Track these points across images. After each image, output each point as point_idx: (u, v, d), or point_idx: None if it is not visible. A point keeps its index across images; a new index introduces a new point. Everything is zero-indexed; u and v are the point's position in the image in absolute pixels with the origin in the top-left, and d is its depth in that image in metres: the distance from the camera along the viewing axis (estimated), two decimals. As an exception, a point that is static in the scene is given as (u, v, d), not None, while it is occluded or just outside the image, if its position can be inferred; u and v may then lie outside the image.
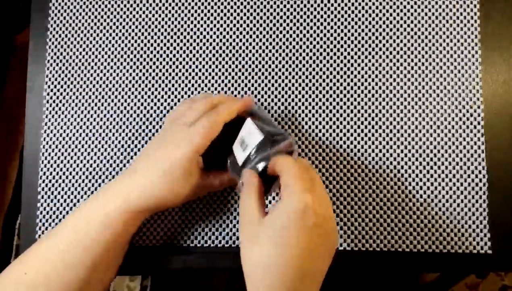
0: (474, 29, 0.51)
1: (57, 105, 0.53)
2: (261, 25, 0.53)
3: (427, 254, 0.48)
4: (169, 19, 0.53)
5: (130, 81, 0.52)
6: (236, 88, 0.52)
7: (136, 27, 0.53)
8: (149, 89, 0.52)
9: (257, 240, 0.33)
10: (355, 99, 0.51)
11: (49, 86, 0.53)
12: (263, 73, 0.52)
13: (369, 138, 0.50)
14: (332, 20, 0.52)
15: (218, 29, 0.53)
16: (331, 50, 0.52)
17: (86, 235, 0.39)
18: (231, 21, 0.53)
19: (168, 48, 0.53)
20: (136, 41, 0.53)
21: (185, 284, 0.91)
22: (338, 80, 0.51)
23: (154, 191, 0.39)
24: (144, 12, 0.54)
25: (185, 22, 0.53)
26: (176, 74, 0.52)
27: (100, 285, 0.42)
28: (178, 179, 0.39)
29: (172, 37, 0.53)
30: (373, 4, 0.52)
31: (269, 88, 0.51)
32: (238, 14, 0.53)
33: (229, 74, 0.52)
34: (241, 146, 0.41)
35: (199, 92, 0.52)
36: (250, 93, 0.52)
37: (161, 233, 0.50)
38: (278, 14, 0.53)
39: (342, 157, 0.50)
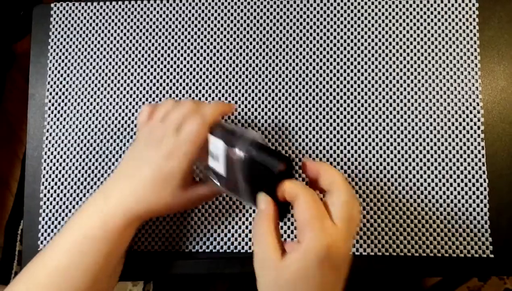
0: (473, 35, 0.51)
1: (59, 112, 0.53)
2: (257, 28, 0.53)
3: (429, 258, 0.48)
4: (170, 26, 0.54)
5: (131, 88, 0.53)
6: (233, 90, 0.52)
7: (137, 34, 0.54)
8: (150, 96, 0.53)
9: (276, 282, 0.33)
10: (355, 105, 0.51)
11: (50, 94, 0.53)
12: (260, 76, 0.52)
13: (370, 143, 0.50)
14: (331, 26, 0.53)
15: (218, 35, 0.53)
16: (329, 55, 0.52)
17: (84, 254, 0.39)
18: (231, 27, 0.53)
19: (169, 55, 0.53)
20: (137, 49, 0.53)
21: (187, 289, 0.91)
22: (337, 86, 0.51)
23: (149, 198, 0.39)
24: (145, 20, 0.54)
25: (185, 30, 0.53)
26: (177, 81, 0.53)
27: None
28: (173, 189, 0.39)
29: (173, 44, 0.53)
30: (372, 10, 0.53)
31: (266, 91, 0.52)
32: (235, 18, 0.53)
33: (227, 77, 0.52)
34: (213, 159, 0.40)
35: (199, 98, 0.52)
36: (246, 96, 0.52)
37: (163, 239, 0.50)
38: (274, 17, 0.53)
39: (343, 162, 0.50)
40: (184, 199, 0.40)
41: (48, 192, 0.52)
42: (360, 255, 0.49)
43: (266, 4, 0.53)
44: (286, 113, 0.51)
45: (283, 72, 0.52)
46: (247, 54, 0.53)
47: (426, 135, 0.50)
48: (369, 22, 0.52)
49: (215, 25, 0.53)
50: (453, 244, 0.48)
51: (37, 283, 0.38)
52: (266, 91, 0.52)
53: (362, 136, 0.50)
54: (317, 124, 0.51)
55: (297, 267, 0.32)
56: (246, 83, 0.52)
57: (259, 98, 0.52)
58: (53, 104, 0.53)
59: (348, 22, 0.53)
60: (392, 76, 0.51)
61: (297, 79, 0.52)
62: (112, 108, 0.52)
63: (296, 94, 0.52)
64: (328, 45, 0.52)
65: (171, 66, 0.53)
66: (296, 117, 0.51)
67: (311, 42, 0.52)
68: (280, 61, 0.52)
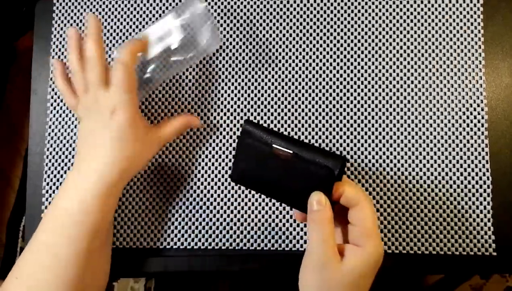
0: (477, 32, 0.51)
1: (61, 108, 0.53)
2: (257, 27, 0.53)
3: (431, 256, 0.48)
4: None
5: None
6: (232, 90, 0.52)
7: (140, 30, 0.54)
8: (153, 92, 0.52)
9: (332, 283, 0.35)
10: (358, 102, 0.51)
11: (53, 90, 0.53)
12: (260, 75, 0.52)
13: (373, 141, 0.50)
14: (334, 22, 0.52)
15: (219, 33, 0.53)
16: (333, 52, 0.52)
17: (68, 229, 0.39)
18: (230, 27, 0.53)
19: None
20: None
21: (189, 286, 0.91)
22: (340, 83, 0.51)
23: (117, 158, 0.40)
24: (147, 16, 0.54)
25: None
26: (180, 77, 0.53)
27: (95, 279, 0.42)
28: (135, 138, 0.41)
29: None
30: (376, 6, 0.52)
31: (266, 90, 0.52)
32: (235, 17, 0.53)
33: (226, 78, 0.52)
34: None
35: (202, 95, 0.52)
36: (245, 96, 0.52)
37: (165, 235, 0.50)
38: (274, 17, 0.53)
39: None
40: (152, 138, 0.42)
41: (50, 188, 0.52)
42: (362, 252, 0.49)
43: (266, 3, 0.53)
44: (286, 114, 0.51)
45: (283, 72, 0.52)
46: (246, 54, 0.52)
47: (429, 133, 0.50)
48: (372, 18, 0.52)
49: (218, 21, 0.53)
50: (456, 241, 0.48)
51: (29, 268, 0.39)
52: (266, 91, 0.52)
53: (365, 133, 0.50)
54: (320, 121, 0.51)
55: (360, 270, 0.35)
56: (246, 84, 0.52)
57: (260, 98, 0.52)
58: (55, 100, 0.53)
59: (352, 19, 0.52)
60: (396, 73, 0.51)
61: (299, 78, 0.52)
62: (114, 105, 0.52)
63: (298, 94, 0.51)
64: (331, 41, 0.52)
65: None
66: (300, 115, 0.51)
67: (311, 42, 0.52)
68: (279, 61, 0.52)
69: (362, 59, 0.52)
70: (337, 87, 0.51)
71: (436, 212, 0.49)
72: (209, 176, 0.51)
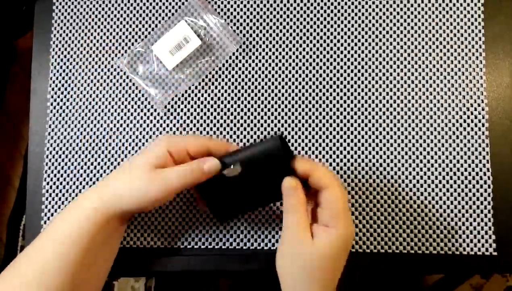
0: (478, 31, 0.51)
1: (61, 107, 0.53)
2: (259, 24, 0.53)
3: (432, 255, 0.48)
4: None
5: (133, 84, 0.53)
6: (232, 90, 0.52)
7: (140, 30, 0.53)
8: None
9: (309, 262, 0.37)
10: (358, 102, 0.51)
11: (53, 89, 0.53)
12: (263, 72, 0.52)
13: (373, 140, 0.50)
14: (335, 22, 0.52)
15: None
16: (334, 51, 0.52)
17: (66, 241, 0.39)
18: (230, 26, 0.53)
19: (171, 50, 0.53)
20: (139, 44, 0.53)
21: (189, 285, 0.91)
22: (341, 82, 0.51)
23: (120, 187, 0.40)
24: (147, 15, 0.54)
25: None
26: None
27: (89, 286, 0.42)
28: (140, 174, 0.40)
29: (175, 39, 0.53)
30: (376, 6, 0.52)
31: (268, 88, 0.51)
32: (235, 17, 0.53)
33: (227, 77, 0.52)
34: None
35: (201, 94, 0.52)
36: (245, 96, 0.52)
37: (165, 235, 0.50)
38: (278, 12, 0.53)
39: (346, 159, 0.50)
40: (155, 177, 0.40)
41: (51, 187, 0.51)
42: (363, 252, 0.49)
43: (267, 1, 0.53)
44: (286, 114, 0.51)
45: (284, 71, 0.52)
46: (246, 54, 0.52)
47: (430, 133, 0.50)
48: (373, 18, 0.52)
49: (228, 19, 0.53)
50: (456, 241, 0.48)
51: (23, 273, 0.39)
52: (269, 88, 0.52)
53: (366, 133, 0.50)
54: (320, 121, 0.51)
55: (330, 250, 0.36)
56: (246, 83, 0.52)
57: (261, 96, 0.52)
58: (55, 100, 0.53)
59: (352, 18, 0.52)
60: (396, 72, 0.51)
61: (300, 77, 0.52)
62: (114, 104, 0.52)
63: (298, 93, 0.51)
64: (331, 40, 0.52)
65: (174, 62, 0.53)
66: (300, 114, 0.51)
67: (311, 41, 0.52)
68: (280, 61, 0.52)
69: (363, 59, 0.51)
70: (337, 87, 0.51)
71: (436, 211, 0.49)
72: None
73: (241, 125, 0.51)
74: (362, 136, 0.50)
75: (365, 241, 0.49)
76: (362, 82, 0.51)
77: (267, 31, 0.53)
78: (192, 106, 0.52)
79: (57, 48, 0.54)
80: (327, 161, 0.50)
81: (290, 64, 0.52)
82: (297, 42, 0.52)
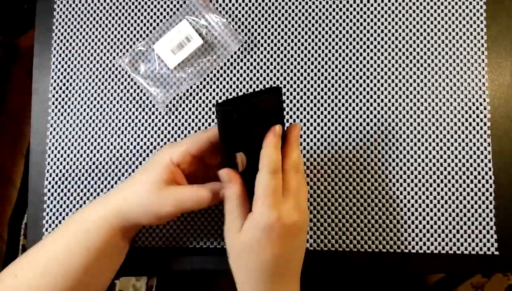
0: (480, 30, 0.51)
1: (62, 107, 0.53)
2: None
3: (433, 255, 0.48)
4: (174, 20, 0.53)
5: (135, 83, 0.53)
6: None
7: (141, 28, 0.53)
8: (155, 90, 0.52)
9: (236, 248, 0.38)
10: (360, 101, 0.51)
11: (54, 88, 0.53)
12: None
13: (375, 140, 0.50)
14: (339, 23, 0.52)
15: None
16: (335, 49, 0.52)
17: (75, 244, 0.40)
18: (242, 6, 0.53)
19: (173, 49, 0.53)
20: (141, 42, 0.53)
21: (191, 284, 0.91)
22: (344, 80, 0.51)
23: (130, 202, 0.40)
24: (149, 14, 0.54)
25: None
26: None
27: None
28: (149, 185, 0.40)
29: (177, 38, 0.53)
30: (378, 4, 0.52)
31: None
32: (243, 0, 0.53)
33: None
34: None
35: (206, 96, 0.52)
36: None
37: (167, 234, 0.50)
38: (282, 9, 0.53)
39: (348, 158, 0.50)
40: (166, 194, 0.40)
41: (52, 187, 0.52)
42: (364, 251, 0.49)
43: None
44: (288, 113, 0.51)
45: (286, 70, 0.52)
46: (248, 53, 0.52)
47: (432, 132, 0.50)
48: (375, 16, 0.52)
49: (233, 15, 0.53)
50: (458, 240, 0.48)
51: (34, 267, 0.40)
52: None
53: (368, 132, 0.50)
54: (321, 120, 0.51)
55: (250, 236, 0.37)
56: (247, 82, 0.52)
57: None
58: (57, 99, 0.53)
59: (354, 17, 0.52)
60: (398, 71, 0.51)
61: (301, 76, 0.52)
62: (116, 103, 0.52)
63: (300, 92, 0.51)
64: (340, 39, 0.52)
65: (175, 61, 0.53)
66: (301, 113, 0.51)
67: (314, 40, 0.52)
68: (281, 60, 0.52)
69: (364, 58, 0.51)
70: (339, 86, 0.51)
71: (438, 211, 0.49)
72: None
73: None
74: (364, 136, 0.50)
75: (366, 240, 0.49)
76: (364, 80, 0.51)
77: (269, 30, 0.52)
78: (193, 106, 0.52)
79: (58, 47, 0.54)
80: (329, 160, 0.50)
81: (292, 63, 0.52)
82: (299, 41, 0.52)
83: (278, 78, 0.52)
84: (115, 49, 0.53)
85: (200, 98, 0.52)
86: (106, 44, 0.53)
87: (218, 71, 0.52)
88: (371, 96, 0.51)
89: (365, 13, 0.52)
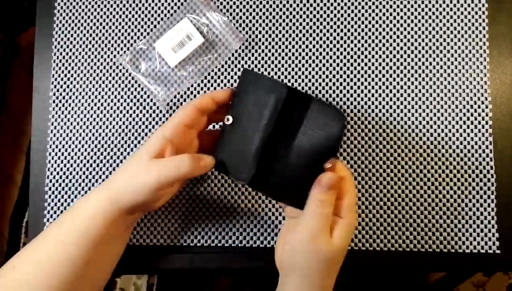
0: (482, 29, 0.51)
1: (63, 105, 0.53)
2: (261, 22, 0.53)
3: (435, 253, 0.48)
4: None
5: (136, 81, 0.52)
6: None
7: (142, 27, 0.53)
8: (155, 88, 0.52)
9: (320, 254, 0.37)
10: (361, 99, 0.51)
11: (55, 86, 0.53)
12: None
13: (376, 138, 0.50)
14: (344, 25, 0.52)
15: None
16: (336, 47, 0.52)
17: (74, 232, 0.40)
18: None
19: (174, 48, 0.53)
20: (141, 41, 0.53)
21: (191, 282, 0.92)
22: (345, 79, 0.51)
23: (122, 183, 0.40)
24: (149, 12, 0.54)
25: (191, 22, 0.53)
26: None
27: (91, 283, 0.42)
28: (138, 162, 0.40)
29: (178, 36, 0.53)
30: (380, 3, 0.52)
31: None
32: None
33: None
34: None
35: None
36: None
37: (168, 232, 0.50)
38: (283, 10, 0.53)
39: (349, 156, 0.50)
40: (151, 174, 0.39)
41: (53, 185, 0.51)
42: (366, 250, 0.49)
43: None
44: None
45: (287, 68, 0.52)
46: (249, 51, 0.52)
47: (433, 130, 0.50)
48: (376, 14, 0.52)
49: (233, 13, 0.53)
50: (459, 239, 0.48)
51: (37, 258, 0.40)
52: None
53: (369, 130, 0.50)
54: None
55: (342, 242, 0.37)
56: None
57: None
58: (57, 97, 0.53)
59: (356, 15, 0.52)
60: (400, 70, 0.51)
61: (302, 74, 0.51)
62: (116, 101, 0.52)
63: (301, 90, 0.51)
64: (334, 35, 0.52)
65: (176, 59, 0.53)
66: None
67: (315, 38, 0.52)
68: (282, 58, 0.52)
69: (366, 56, 0.51)
70: (341, 84, 0.51)
71: (440, 209, 0.49)
72: (212, 173, 0.50)
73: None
74: (366, 134, 0.50)
75: (368, 238, 0.49)
76: (366, 79, 0.51)
77: (270, 28, 0.52)
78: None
79: (59, 45, 0.54)
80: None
81: (293, 62, 0.52)
82: (300, 39, 0.52)
83: (279, 77, 0.51)
84: (116, 47, 0.53)
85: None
86: (107, 43, 0.53)
87: (219, 70, 0.52)
88: (373, 95, 0.51)
89: (366, 11, 0.52)
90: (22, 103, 1.26)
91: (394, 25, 0.52)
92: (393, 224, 0.49)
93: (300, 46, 0.52)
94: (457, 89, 0.50)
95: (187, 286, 0.91)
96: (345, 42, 0.52)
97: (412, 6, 0.52)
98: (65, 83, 0.53)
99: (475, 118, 0.50)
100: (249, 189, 0.50)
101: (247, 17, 0.53)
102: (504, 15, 0.51)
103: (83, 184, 0.51)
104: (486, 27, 0.51)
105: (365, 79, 0.51)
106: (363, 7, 0.52)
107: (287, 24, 0.52)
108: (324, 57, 0.51)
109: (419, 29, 0.51)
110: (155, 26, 0.53)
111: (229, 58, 0.52)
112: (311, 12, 0.52)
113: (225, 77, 0.52)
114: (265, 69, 0.52)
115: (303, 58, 0.52)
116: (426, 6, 0.52)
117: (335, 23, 0.52)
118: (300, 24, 0.52)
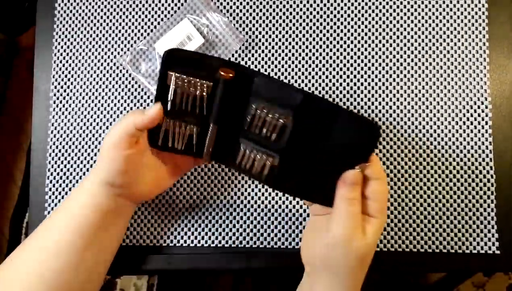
0: (482, 29, 0.51)
1: (63, 105, 0.53)
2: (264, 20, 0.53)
3: (435, 254, 0.48)
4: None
5: (136, 82, 0.52)
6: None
7: (142, 27, 0.53)
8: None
9: (358, 253, 0.38)
10: (361, 100, 0.51)
11: (55, 87, 0.53)
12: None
13: (376, 139, 0.50)
14: (339, 18, 0.52)
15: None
16: (336, 48, 0.52)
17: (68, 222, 0.41)
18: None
19: (174, 48, 0.53)
20: (141, 41, 0.53)
21: (191, 282, 0.92)
22: (344, 80, 0.51)
23: (104, 163, 0.41)
24: (150, 13, 0.54)
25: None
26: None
27: (90, 276, 0.43)
28: (113, 156, 0.40)
29: (178, 37, 0.53)
30: (380, 3, 0.52)
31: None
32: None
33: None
34: None
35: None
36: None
37: (168, 233, 0.50)
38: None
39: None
40: (112, 132, 0.41)
41: (54, 186, 0.52)
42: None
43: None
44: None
45: (287, 69, 0.52)
46: (249, 52, 0.52)
47: (433, 131, 0.50)
48: (376, 15, 0.52)
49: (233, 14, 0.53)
50: (459, 240, 0.48)
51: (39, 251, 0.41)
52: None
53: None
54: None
55: (374, 240, 0.38)
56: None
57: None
58: (58, 98, 0.53)
59: (356, 15, 0.52)
60: (400, 70, 0.51)
61: (302, 75, 0.51)
62: (117, 102, 0.52)
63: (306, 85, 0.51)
64: (334, 36, 0.52)
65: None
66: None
67: (315, 38, 0.52)
68: (282, 58, 0.52)
69: (365, 57, 0.51)
70: (340, 84, 0.51)
71: (439, 210, 0.49)
72: (212, 173, 0.51)
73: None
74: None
75: (367, 239, 0.49)
76: (366, 80, 0.51)
77: (270, 29, 0.52)
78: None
79: (59, 45, 0.54)
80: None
81: (293, 62, 0.52)
82: (300, 40, 0.52)
83: (279, 77, 0.51)
84: (116, 48, 0.53)
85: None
86: (107, 43, 0.53)
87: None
88: (372, 95, 0.51)
89: (366, 12, 0.52)
90: (23, 102, 1.26)
91: (394, 26, 0.52)
92: (393, 224, 0.49)
93: (300, 47, 0.52)
94: (457, 90, 0.50)
95: (187, 286, 0.91)
96: (344, 43, 0.52)
97: (412, 7, 0.52)
98: (65, 83, 0.53)
99: (475, 119, 0.50)
100: (248, 190, 0.50)
101: (247, 18, 0.53)
102: (504, 16, 0.51)
103: (83, 184, 0.51)
104: (486, 28, 0.51)
105: (365, 80, 0.51)
106: (362, 8, 0.52)
107: (287, 25, 0.52)
108: (324, 58, 0.52)
109: (419, 30, 0.51)
110: (155, 27, 0.53)
111: (229, 59, 0.52)
112: (311, 13, 0.52)
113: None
114: (265, 70, 0.52)
115: (303, 58, 0.52)
116: (426, 7, 0.52)
117: (334, 24, 0.52)
118: (300, 24, 0.52)
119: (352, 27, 0.52)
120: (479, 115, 0.50)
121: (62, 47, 0.54)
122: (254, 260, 0.49)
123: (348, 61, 0.51)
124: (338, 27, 0.52)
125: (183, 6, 0.53)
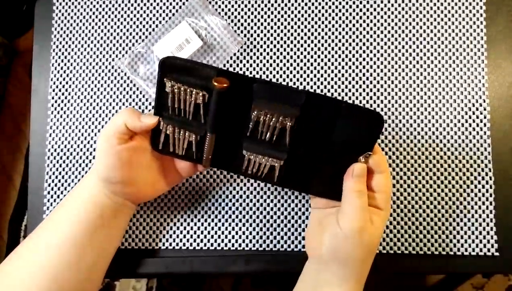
0: (480, 31, 0.51)
1: (62, 108, 0.53)
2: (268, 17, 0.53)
3: (434, 256, 0.48)
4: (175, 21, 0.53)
5: (134, 85, 0.52)
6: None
7: (141, 30, 0.53)
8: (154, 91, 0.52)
9: (371, 242, 0.39)
10: (360, 102, 0.51)
11: (53, 90, 0.53)
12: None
13: (375, 141, 0.50)
14: (337, 21, 0.52)
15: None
16: (335, 50, 0.52)
17: (70, 215, 0.42)
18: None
19: (172, 51, 0.53)
20: (139, 44, 0.53)
21: (190, 285, 0.91)
22: (342, 83, 0.51)
23: (100, 161, 0.41)
24: (148, 15, 0.54)
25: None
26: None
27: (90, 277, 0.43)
28: (105, 150, 0.41)
29: (176, 40, 0.53)
30: (378, 6, 0.52)
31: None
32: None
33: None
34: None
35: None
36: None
37: (167, 236, 0.50)
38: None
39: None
40: (131, 157, 0.41)
41: (52, 189, 0.51)
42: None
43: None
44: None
45: (285, 72, 0.52)
46: (247, 54, 0.52)
47: (432, 133, 0.50)
48: (374, 17, 0.52)
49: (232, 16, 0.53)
50: (458, 241, 0.48)
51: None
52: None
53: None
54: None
55: (382, 230, 0.40)
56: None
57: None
58: (56, 101, 0.53)
59: (354, 18, 0.52)
60: (398, 72, 0.51)
61: (301, 77, 0.51)
62: (115, 105, 0.52)
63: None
64: (332, 38, 0.52)
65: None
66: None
67: (313, 41, 0.52)
68: (281, 61, 0.52)
69: (364, 59, 0.51)
70: (339, 87, 0.51)
71: (438, 212, 0.49)
72: (210, 176, 0.50)
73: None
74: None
75: (366, 241, 0.49)
76: (364, 82, 0.51)
77: (268, 32, 0.52)
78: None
79: (57, 48, 0.54)
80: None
81: (291, 65, 0.52)
82: (298, 42, 0.52)
83: (277, 80, 0.51)
84: (114, 50, 0.53)
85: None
86: (105, 46, 0.53)
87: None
88: (371, 97, 0.51)
89: (364, 14, 0.52)
90: (22, 105, 1.26)
91: (392, 28, 0.52)
92: (391, 226, 0.49)
93: (298, 49, 0.52)
94: (455, 92, 0.50)
95: (186, 289, 0.90)
96: (343, 44, 0.52)
97: (410, 8, 0.52)
98: (63, 86, 0.53)
99: (473, 121, 0.50)
100: (247, 193, 0.50)
101: (245, 20, 0.53)
102: (502, 17, 0.51)
103: (81, 187, 0.51)
104: (484, 30, 0.51)
105: (363, 82, 0.51)
106: (361, 10, 0.52)
107: (285, 27, 0.52)
108: (322, 60, 0.52)
109: (417, 31, 0.51)
110: (153, 30, 0.53)
111: (228, 61, 0.52)
112: (309, 15, 0.52)
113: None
114: (264, 72, 0.52)
115: (301, 61, 0.52)
116: (424, 8, 0.52)
117: (333, 26, 0.52)
118: (299, 27, 0.52)
119: (350, 29, 0.52)
120: (477, 117, 0.50)
121: (60, 50, 0.54)
122: (253, 263, 0.49)
123: (346, 64, 0.51)
124: (336, 29, 0.52)
125: (181, 8, 0.53)
